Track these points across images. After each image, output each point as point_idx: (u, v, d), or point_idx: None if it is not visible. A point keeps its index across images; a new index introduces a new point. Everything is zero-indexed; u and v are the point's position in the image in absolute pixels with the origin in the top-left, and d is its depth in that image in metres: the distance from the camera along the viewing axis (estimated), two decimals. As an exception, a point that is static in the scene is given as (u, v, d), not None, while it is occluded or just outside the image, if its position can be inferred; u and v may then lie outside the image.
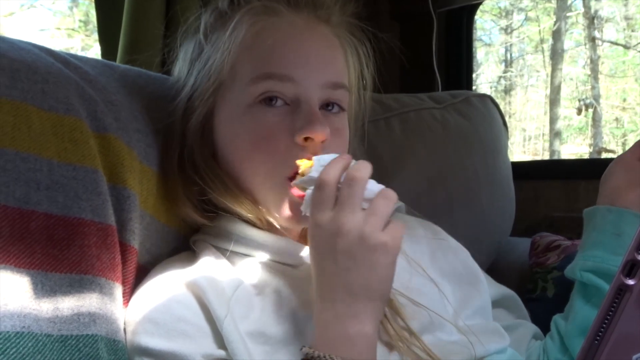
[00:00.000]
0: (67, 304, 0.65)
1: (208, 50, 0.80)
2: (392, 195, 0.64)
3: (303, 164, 0.70)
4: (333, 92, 0.79)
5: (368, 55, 0.89)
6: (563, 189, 1.74)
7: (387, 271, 0.63)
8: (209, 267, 0.76)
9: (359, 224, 0.61)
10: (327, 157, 0.67)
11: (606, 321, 0.46)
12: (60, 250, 0.67)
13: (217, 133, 0.81)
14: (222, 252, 0.80)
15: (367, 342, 0.62)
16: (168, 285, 0.74)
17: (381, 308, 0.65)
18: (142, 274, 0.79)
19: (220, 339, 0.69)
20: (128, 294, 0.76)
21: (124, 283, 0.75)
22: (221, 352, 0.69)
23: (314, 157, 0.68)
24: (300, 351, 0.62)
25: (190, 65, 0.83)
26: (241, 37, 0.77)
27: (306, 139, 0.74)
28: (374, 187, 0.65)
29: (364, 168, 0.64)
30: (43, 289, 0.64)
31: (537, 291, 1.25)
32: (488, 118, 1.46)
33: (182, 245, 0.87)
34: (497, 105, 1.50)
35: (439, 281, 0.83)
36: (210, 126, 0.81)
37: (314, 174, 0.66)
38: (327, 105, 0.80)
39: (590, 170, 1.82)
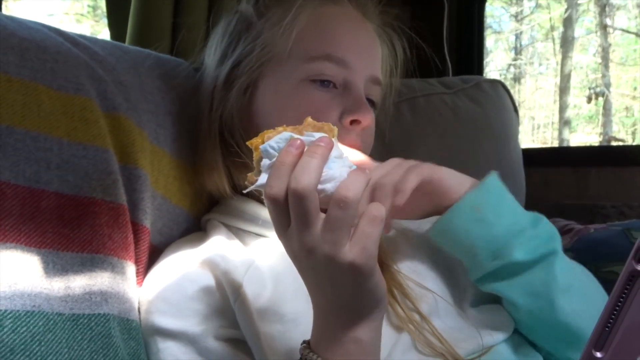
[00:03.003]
0: (79, 283, 0.65)
1: (261, 24, 0.83)
2: (349, 197, 0.51)
3: (254, 144, 0.57)
4: (373, 86, 0.84)
5: (402, 61, 0.94)
6: (573, 176, 1.72)
7: (366, 287, 0.55)
8: (221, 245, 0.76)
9: (318, 242, 0.52)
10: (275, 144, 0.55)
11: (617, 308, 0.45)
12: (71, 230, 0.67)
13: (260, 103, 0.82)
14: (234, 230, 0.82)
15: (362, 348, 0.57)
16: (181, 265, 0.75)
17: (376, 315, 0.58)
18: (154, 255, 0.79)
19: (232, 318, 0.70)
20: (141, 274, 0.77)
21: (137, 262, 0.75)
22: (234, 331, 0.70)
23: (261, 148, 0.56)
24: (301, 346, 0.61)
25: (233, 38, 0.85)
26: (307, 16, 0.81)
27: (352, 122, 0.77)
28: (336, 169, 0.54)
29: (309, 173, 0.51)
30: (54, 268, 0.64)
31: (549, 271, 1.26)
32: (499, 104, 1.44)
33: (192, 226, 0.87)
34: (508, 91, 1.49)
35: (446, 266, 0.83)
36: (253, 94, 0.83)
37: (262, 179, 0.55)
38: None
39: (601, 157, 1.81)
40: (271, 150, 0.55)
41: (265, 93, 0.82)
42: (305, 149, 0.54)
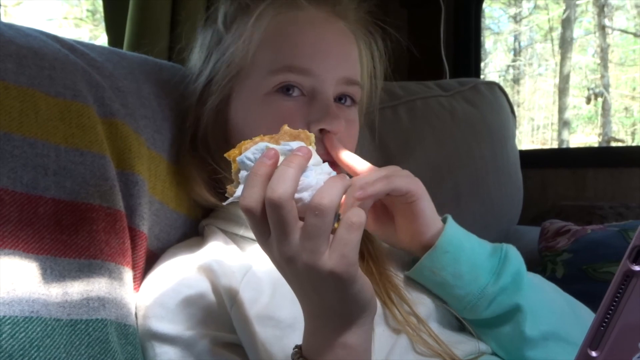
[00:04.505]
0: (77, 289, 0.66)
1: (228, 39, 0.81)
2: (324, 204, 0.51)
3: (233, 156, 0.58)
4: (347, 87, 0.82)
5: (382, 52, 0.91)
6: (571, 178, 1.73)
7: (350, 293, 0.54)
8: (218, 251, 0.77)
9: (297, 251, 0.52)
10: (251, 155, 0.55)
11: (612, 308, 0.46)
12: (68, 236, 0.67)
13: (232, 118, 0.82)
14: (231, 236, 0.82)
15: (351, 353, 0.57)
16: (178, 270, 0.75)
17: (364, 320, 0.57)
18: (152, 260, 0.80)
19: (229, 323, 0.70)
20: (139, 279, 0.77)
21: (134, 268, 0.76)
22: (230, 336, 0.70)
23: (238, 160, 0.56)
24: (293, 351, 0.61)
25: (207, 53, 0.84)
26: (264, 27, 0.79)
27: (321, 130, 0.76)
28: (312, 177, 0.54)
29: (284, 181, 0.51)
30: (52, 274, 0.64)
31: (547, 273, 1.26)
32: (496, 106, 1.45)
33: (190, 231, 0.88)
34: (505, 93, 1.50)
35: None
36: (225, 111, 0.83)
37: (240, 191, 0.55)
38: (340, 98, 0.82)
39: (599, 158, 1.82)
40: (248, 162, 0.55)
41: (236, 110, 0.81)
42: (280, 158, 0.54)
